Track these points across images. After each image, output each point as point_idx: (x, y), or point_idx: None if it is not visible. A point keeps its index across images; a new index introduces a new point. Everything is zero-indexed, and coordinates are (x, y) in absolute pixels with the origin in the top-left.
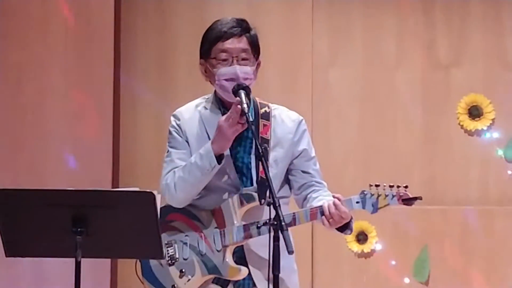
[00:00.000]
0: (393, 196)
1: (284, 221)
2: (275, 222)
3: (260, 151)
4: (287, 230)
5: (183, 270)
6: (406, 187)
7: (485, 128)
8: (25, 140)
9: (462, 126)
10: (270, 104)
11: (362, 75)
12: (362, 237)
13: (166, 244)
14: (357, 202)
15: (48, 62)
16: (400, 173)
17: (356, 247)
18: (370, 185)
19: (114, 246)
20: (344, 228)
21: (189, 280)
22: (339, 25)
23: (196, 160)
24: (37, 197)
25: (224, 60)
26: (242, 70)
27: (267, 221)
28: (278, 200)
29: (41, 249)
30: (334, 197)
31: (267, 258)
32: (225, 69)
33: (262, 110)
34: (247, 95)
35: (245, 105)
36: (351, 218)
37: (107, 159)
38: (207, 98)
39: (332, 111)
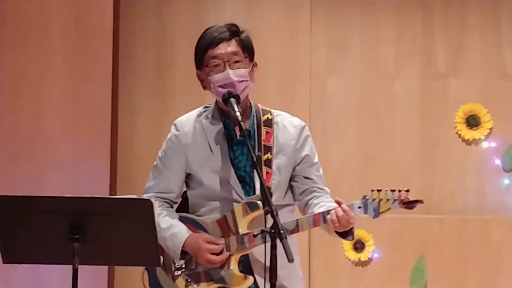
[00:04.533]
0: (395, 200)
1: (282, 229)
2: (273, 230)
3: (255, 159)
4: (286, 238)
5: (189, 280)
6: (407, 191)
7: (482, 137)
8: (23, 148)
9: (459, 136)
10: (272, 110)
11: (360, 85)
12: (359, 246)
13: None
14: (359, 207)
15: (46, 70)
16: (397, 182)
17: (353, 255)
18: (372, 190)
19: (111, 253)
20: (346, 234)
21: None
22: (338, 35)
23: (167, 237)
24: (34, 204)
25: (216, 66)
26: (236, 74)
27: (264, 229)
28: (276, 209)
29: (38, 255)
30: (336, 201)
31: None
32: (218, 75)
33: (265, 117)
34: (238, 103)
35: (238, 114)
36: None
37: (105, 166)
38: (209, 108)
39: (330, 120)
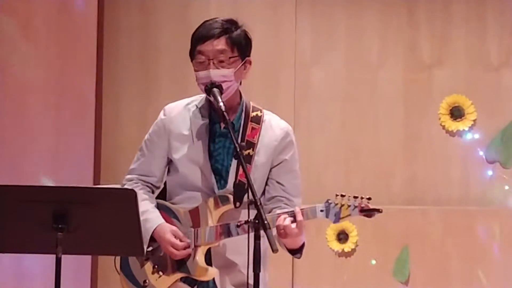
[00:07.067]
0: (355, 207)
1: (266, 220)
2: (257, 221)
3: (239, 151)
4: (270, 228)
5: (156, 266)
6: (369, 198)
7: (466, 128)
8: (5, 137)
9: (443, 127)
10: (263, 110)
11: (345, 75)
12: (343, 236)
13: None
14: (321, 211)
15: (31, 58)
16: (381, 173)
17: (336, 246)
18: (336, 195)
19: (95, 243)
20: (296, 251)
21: (160, 276)
22: (322, 25)
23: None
24: (18, 193)
25: (201, 62)
26: (217, 74)
27: (248, 220)
28: (259, 199)
29: (21, 245)
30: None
31: (236, 262)
32: (201, 73)
33: (254, 114)
34: (220, 93)
35: (221, 104)
36: (303, 244)
37: (88, 156)
38: (202, 97)
39: (314, 110)
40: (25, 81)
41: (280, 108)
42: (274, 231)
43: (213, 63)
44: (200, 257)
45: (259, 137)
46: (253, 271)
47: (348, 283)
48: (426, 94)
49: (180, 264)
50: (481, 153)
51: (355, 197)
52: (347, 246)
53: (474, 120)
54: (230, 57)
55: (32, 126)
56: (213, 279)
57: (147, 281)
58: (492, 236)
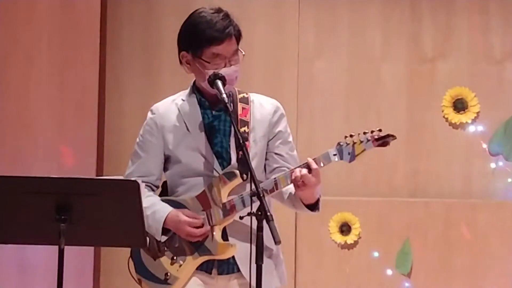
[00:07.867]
0: (368, 140)
1: (269, 212)
2: (260, 213)
3: (241, 142)
4: (272, 220)
5: (174, 257)
6: (380, 130)
7: (469, 121)
8: (9, 129)
9: (446, 119)
10: (248, 93)
11: (348, 68)
12: (345, 229)
13: None
14: (334, 154)
15: (33, 51)
16: (384, 165)
17: (339, 238)
18: (346, 136)
19: (97, 234)
20: (313, 207)
21: (180, 265)
22: (325, 17)
23: (149, 215)
24: (20, 184)
25: (219, 63)
26: (235, 69)
27: (250, 212)
28: (262, 191)
29: (24, 236)
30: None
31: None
32: (221, 71)
33: (241, 95)
34: (224, 84)
35: (224, 95)
36: (319, 198)
37: (91, 148)
38: (185, 92)
39: (317, 103)
40: (28, 74)
41: (283, 102)
42: (290, 187)
43: (229, 61)
44: (218, 235)
45: (251, 115)
46: (256, 262)
47: (351, 275)
48: (429, 86)
49: (199, 248)
50: (484, 145)
51: (365, 133)
52: (350, 238)
53: (477, 113)
54: (240, 53)
55: (35, 119)
56: (233, 257)
57: (168, 274)
58: (494, 229)
